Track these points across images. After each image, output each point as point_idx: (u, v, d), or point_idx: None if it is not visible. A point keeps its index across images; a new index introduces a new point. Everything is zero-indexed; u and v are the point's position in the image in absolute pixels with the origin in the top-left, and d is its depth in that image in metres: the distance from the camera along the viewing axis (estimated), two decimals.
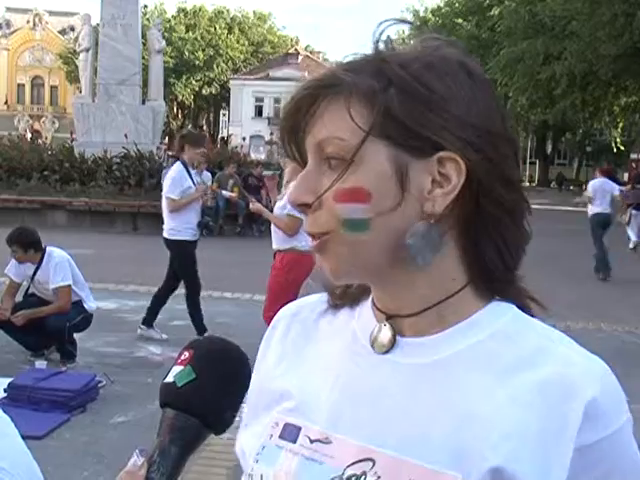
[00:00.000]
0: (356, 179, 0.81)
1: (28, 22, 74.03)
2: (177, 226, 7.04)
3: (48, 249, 6.39)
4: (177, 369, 0.89)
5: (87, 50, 19.36)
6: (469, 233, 0.84)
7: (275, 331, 1.01)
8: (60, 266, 6.29)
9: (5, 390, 5.19)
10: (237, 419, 0.94)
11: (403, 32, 0.93)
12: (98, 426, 4.95)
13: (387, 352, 0.87)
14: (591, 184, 13.41)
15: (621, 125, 42.14)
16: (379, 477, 0.80)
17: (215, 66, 62.70)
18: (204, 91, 63.75)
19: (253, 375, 0.99)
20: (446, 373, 0.83)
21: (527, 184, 46.83)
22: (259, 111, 61.87)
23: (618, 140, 48.50)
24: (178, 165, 7.18)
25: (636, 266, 14.22)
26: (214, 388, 0.89)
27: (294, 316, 1.01)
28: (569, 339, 0.85)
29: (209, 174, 16.02)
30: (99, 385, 5.52)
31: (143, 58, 19.93)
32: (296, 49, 65.27)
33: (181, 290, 9.29)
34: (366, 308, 0.93)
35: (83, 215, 15.69)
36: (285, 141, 0.89)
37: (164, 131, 29.19)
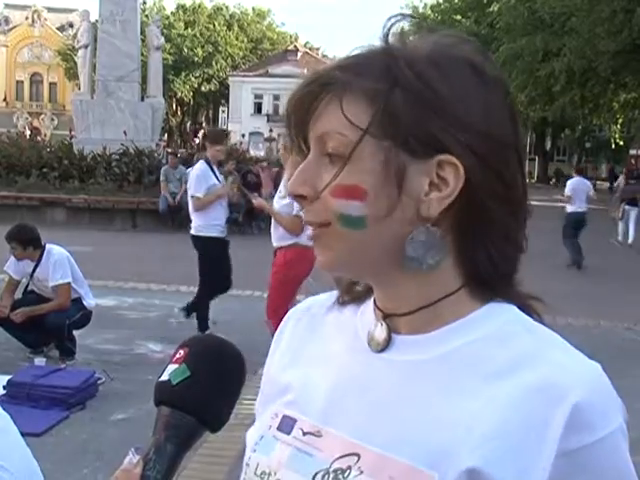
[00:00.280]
0: (354, 176, 0.81)
1: (27, 19, 74.03)
2: (204, 223, 7.02)
3: (47, 246, 6.38)
4: (172, 367, 0.90)
5: (86, 47, 19.34)
6: (464, 236, 0.84)
7: (286, 325, 1.03)
8: (59, 263, 6.28)
9: (4, 387, 5.20)
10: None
11: (402, 29, 0.90)
12: (97, 423, 4.95)
13: (382, 350, 0.88)
14: (569, 183, 13.61)
15: (620, 121, 42.13)
16: (362, 472, 0.81)
17: (214, 63, 62.66)
18: (203, 88, 63.72)
19: (265, 367, 1.02)
20: (435, 372, 0.84)
21: (527, 180, 46.81)
22: (258, 108, 61.86)
23: (617, 136, 48.49)
24: (202, 163, 7.16)
25: (635, 263, 14.25)
26: (209, 386, 0.89)
27: (305, 311, 1.03)
28: (565, 343, 0.84)
29: None
30: (98, 382, 5.52)
31: (142, 55, 19.92)
32: (295, 46, 65.24)
33: (178, 287, 9.32)
34: (369, 306, 0.93)
35: (82, 212, 15.69)
36: (292, 133, 0.89)
37: (163, 128, 29.23)
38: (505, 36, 34.02)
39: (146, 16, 40.77)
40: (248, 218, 15.41)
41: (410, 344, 0.87)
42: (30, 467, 1.94)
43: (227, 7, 66.99)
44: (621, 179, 28.41)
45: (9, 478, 1.78)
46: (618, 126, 45.02)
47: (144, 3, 53.17)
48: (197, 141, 34.74)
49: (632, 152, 50.31)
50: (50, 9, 74.37)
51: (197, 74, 62.40)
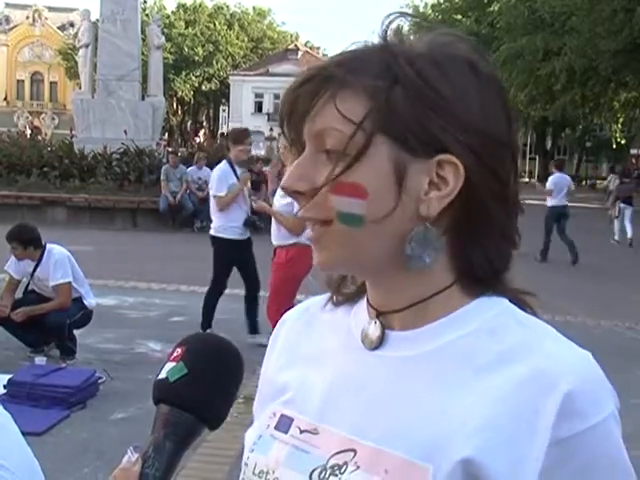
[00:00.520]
0: (355, 174, 0.81)
1: (27, 18, 73.98)
2: (223, 224, 7.00)
3: (48, 246, 6.38)
4: (169, 365, 0.90)
5: (86, 46, 19.32)
6: (460, 235, 0.85)
7: (282, 327, 1.04)
8: (60, 263, 6.28)
9: (5, 386, 5.20)
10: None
11: (402, 28, 0.90)
12: (98, 422, 4.95)
13: (376, 348, 0.89)
14: (551, 179, 14.11)
15: (621, 121, 42.09)
16: (358, 467, 0.82)
17: (215, 62, 62.64)
18: (204, 87, 63.70)
19: (262, 369, 1.02)
20: (427, 366, 0.85)
21: (527, 180, 46.79)
22: (259, 107, 61.82)
23: (618, 135, 48.44)
24: (224, 164, 7.15)
25: (635, 262, 14.24)
26: (206, 382, 0.89)
27: (301, 313, 1.04)
28: (557, 333, 0.85)
29: (209, 170, 16.04)
30: (99, 381, 5.53)
31: (142, 54, 19.90)
32: (296, 45, 65.22)
33: (179, 287, 9.32)
34: (362, 305, 0.94)
35: (83, 211, 15.68)
36: (288, 129, 0.88)
37: (164, 127, 29.21)
38: (506, 35, 34.00)
39: (147, 15, 40.76)
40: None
41: (403, 340, 0.88)
42: (31, 466, 1.95)
43: (228, 6, 67.00)
44: (611, 177, 28.80)
45: (10, 477, 1.78)
46: (619, 125, 44.98)
47: (145, 2, 53.14)
48: (197, 140, 34.75)
49: (633, 151, 50.28)
50: (51, 8, 74.32)
51: (198, 73, 62.39)
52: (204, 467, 4.11)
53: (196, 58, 61.05)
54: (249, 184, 7.37)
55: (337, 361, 0.92)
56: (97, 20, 19.79)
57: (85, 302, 6.45)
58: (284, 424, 0.91)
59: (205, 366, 0.90)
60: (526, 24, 32.25)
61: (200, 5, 64.62)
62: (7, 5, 74.24)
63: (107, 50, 18.23)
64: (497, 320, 0.85)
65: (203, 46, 61.67)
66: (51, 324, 6.13)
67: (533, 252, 12.78)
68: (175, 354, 0.91)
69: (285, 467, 0.87)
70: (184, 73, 61.01)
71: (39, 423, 4.69)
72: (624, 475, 0.82)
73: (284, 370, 0.97)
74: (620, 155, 51.31)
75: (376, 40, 0.85)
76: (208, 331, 6.45)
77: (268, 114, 58.29)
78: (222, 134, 41.75)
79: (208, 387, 0.89)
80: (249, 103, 62.24)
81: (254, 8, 68.95)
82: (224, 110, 67.99)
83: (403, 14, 0.88)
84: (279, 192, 6.20)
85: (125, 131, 17.15)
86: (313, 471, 0.85)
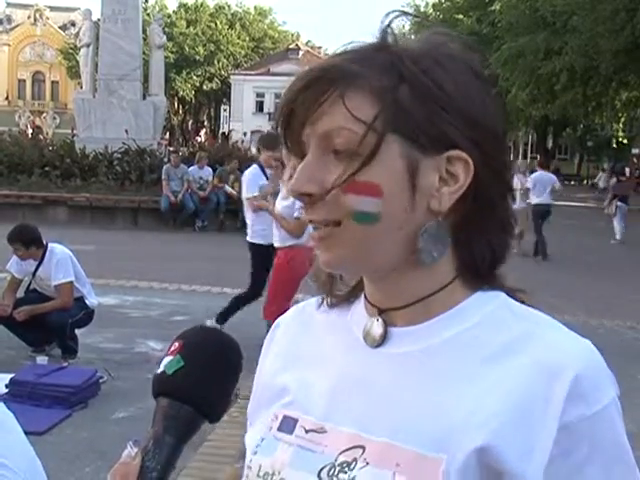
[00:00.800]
0: (369, 173, 0.82)
1: (29, 17, 74.02)
2: (257, 230, 7.01)
3: (50, 245, 6.39)
4: (167, 359, 0.90)
5: (88, 45, 19.31)
6: (465, 228, 0.86)
7: (277, 330, 1.04)
8: (62, 263, 6.29)
9: (6, 386, 5.20)
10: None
11: (403, 27, 0.90)
12: (99, 422, 4.96)
13: (379, 346, 0.89)
14: (532, 177, 14.35)
15: (623, 120, 42.07)
16: (368, 463, 0.83)
17: (216, 61, 62.66)
18: (205, 86, 63.70)
19: (256, 373, 1.02)
20: (433, 360, 0.86)
21: None
22: (260, 106, 61.79)
23: (620, 135, 48.43)
24: (254, 167, 7.16)
25: (636, 262, 14.23)
26: (203, 373, 0.90)
27: (295, 315, 1.04)
28: (556, 322, 0.87)
29: (210, 169, 16.04)
30: (100, 381, 5.53)
31: (144, 53, 19.90)
32: (297, 44, 65.21)
33: (180, 286, 9.32)
34: (359, 303, 0.95)
35: (84, 211, 15.68)
36: (284, 129, 0.88)
37: (165, 126, 29.19)
38: (507, 35, 33.94)
39: (148, 15, 40.77)
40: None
41: (406, 336, 0.88)
42: (33, 466, 1.95)
43: (229, 6, 67.01)
44: (600, 175, 29.01)
45: (12, 477, 1.79)
46: (620, 125, 44.96)
47: (146, 2, 53.11)
48: (199, 139, 34.73)
49: (634, 151, 50.22)
50: (52, 8, 74.36)
51: (199, 73, 62.38)
52: (205, 467, 4.11)
53: (197, 57, 61.06)
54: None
55: (339, 360, 0.92)
56: (98, 20, 19.75)
57: (87, 302, 6.45)
58: (287, 425, 0.91)
59: (202, 358, 0.91)
60: (527, 23, 32.20)
61: (201, 4, 64.60)
62: (8, 5, 74.27)
63: (108, 50, 18.21)
64: (498, 313, 0.87)
65: (204, 45, 61.67)
66: (53, 323, 6.13)
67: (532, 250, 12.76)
68: (173, 348, 0.91)
69: (291, 467, 0.87)
70: (185, 72, 61.01)
71: (41, 422, 4.69)
72: (627, 460, 0.83)
73: (282, 373, 0.97)
74: (621, 155, 51.22)
75: (372, 39, 0.86)
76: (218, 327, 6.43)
77: (269, 114, 58.20)
78: (223, 133, 41.82)
79: (206, 378, 0.90)
80: (250, 102, 62.22)
81: (255, 8, 68.98)
82: (225, 109, 67.97)
83: (402, 13, 0.89)
84: (280, 194, 6.19)
85: (126, 130, 17.14)
86: (322, 469, 0.85)
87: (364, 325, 0.91)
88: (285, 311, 1.07)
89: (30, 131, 29.75)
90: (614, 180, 19.01)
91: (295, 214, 5.73)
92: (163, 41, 20.89)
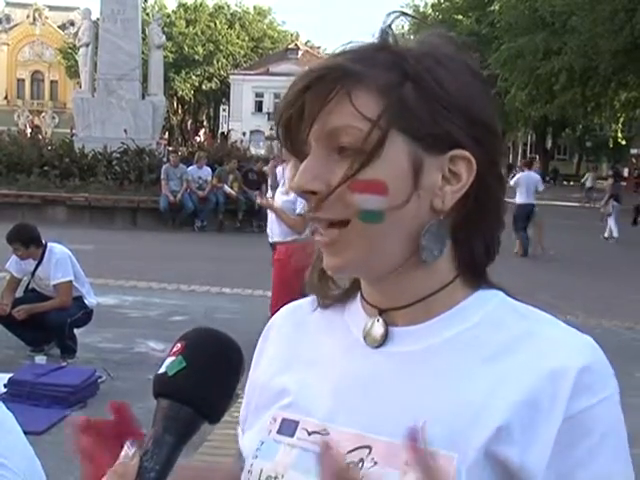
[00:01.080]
0: (374, 171, 0.82)
1: (28, 17, 73.92)
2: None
3: (49, 245, 6.38)
4: (169, 360, 0.90)
5: (87, 45, 19.30)
6: (465, 226, 0.87)
7: (270, 331, 1.04)
8: (61, 262, 6.29)
9: (5, 386, 5.19)
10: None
11: (402, 27, 0.91)
12: None
13: (380, 346, 0.90)
14: (516, 177, 14.43)
15: (622, 120, 42.08)
16: (376, 462, 0.83)
17: (215, 61, 62.64)
18: (204, 86, 63.68)
19: (250, 375, 1.02)
20: (434, 359, 0.86)
21: None
22: (259, 106, 61.80)
23: (619, 135, 48.44)
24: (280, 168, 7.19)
25: (634, 261, 14.24)
26: (205, 375, 0.89)
27: (288, 316, 1.04)
28: (555, 319, 0.88)
29: (209, 169, 16.04)
30: (99, 381, 5.52)
31: (143, 53, 19.88)
32: (296, 44, 65.16)
33: (179, 286, 9.32)
34: (354, 303, 0.95)
35: (83, 211, 15.67)
36: (285, 128, 0.88)
37: (164, 126, 29.20)
38: (506, 35, 33.99)
39: (147, 14, 40.78)
40: (248, 216, 15.41)
41: (407, 335, 0.89)
42: (32, 465, 1.95)
43: (228, 6, 66.97)
44: (587, 175, 29.59)
45: (11, 477, 1.79)
46: (619, 125, 44.97)
47: (145, 1, 53.06)
48: (198, 139, 34.73)
49: (633, 151, 50.24)
50: (51, 7, 74.27)
51: (198, 72, 62.37)
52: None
53: (196, 57, 61.03)
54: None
55: (339, 361, 0.92)
56: (97, 19, 19.76)
57: (86, 301, 6.45)
58: (288, 428, 0.91)
59: (204, 359, 0.91)
60: (526, 24, 32.24)
61: (201, 4, 64.57)
62: (7, 4, 74.21)
63: (107, 49, 18.21)
64: (498, 311, 0.88)
65: (203, 45, 61.64)
66: (52, 323, 6.13)
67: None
68: (175, 349, 0.91)
69: (295, 470, 0.87)
70: (184, 72, 60.99)
71: (39, 422, 4.68)
72: (625, 453, 0.84)
73: (278, 375, 0.97)
74: (620, 155, 51.28)
75: (371, 40, 0.86)
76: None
77: (268, 113, 58.22)
78: (222, 133, 41.78)
79: (207, 380, 0.90)
80: (249, 102, 62.22)
81: (254, 7, 68.96)
82: (224, 109, 67.98)
83: (402, 13, 0.90)
84: (280, 189, 6.20)
85: (125, 130, 17.14)
86: None
87: (364, 325, 0.91)
88: None
89: (29, 130, 29.73)
90: (611, 181, 19.31)
91: (297, 210, 5.74)
92: (162, 41, 20.88)
